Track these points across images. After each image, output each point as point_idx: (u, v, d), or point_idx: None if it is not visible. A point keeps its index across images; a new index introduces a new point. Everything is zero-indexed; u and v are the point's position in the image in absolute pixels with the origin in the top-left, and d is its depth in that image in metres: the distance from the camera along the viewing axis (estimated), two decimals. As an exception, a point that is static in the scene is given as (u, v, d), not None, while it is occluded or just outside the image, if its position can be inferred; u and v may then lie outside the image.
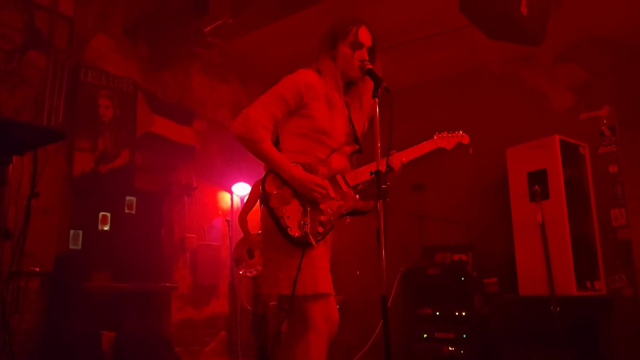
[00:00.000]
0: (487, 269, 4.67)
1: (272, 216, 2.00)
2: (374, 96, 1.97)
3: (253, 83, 6.10)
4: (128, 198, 4.79)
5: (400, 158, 2.25)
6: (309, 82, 2.09)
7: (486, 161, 4.91)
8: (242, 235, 4.55)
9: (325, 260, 2.08)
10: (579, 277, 3.99)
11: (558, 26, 4.17)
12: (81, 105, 4.45)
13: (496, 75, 5.52)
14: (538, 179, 4.24)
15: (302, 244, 1.97)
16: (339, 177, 2.15)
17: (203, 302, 5.27)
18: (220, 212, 5.62)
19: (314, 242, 1.98)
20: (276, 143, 2.15)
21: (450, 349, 4.34)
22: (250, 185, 5.08)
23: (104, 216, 4.58)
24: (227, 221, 5.51)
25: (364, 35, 2.17)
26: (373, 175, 1.99)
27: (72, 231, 4.32)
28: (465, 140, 2.48)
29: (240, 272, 4.51)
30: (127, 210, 4.78)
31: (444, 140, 2.43)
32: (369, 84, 2.07)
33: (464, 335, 4.31)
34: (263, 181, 2.05)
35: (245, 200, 4.74)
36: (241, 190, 5.57)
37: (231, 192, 5.68)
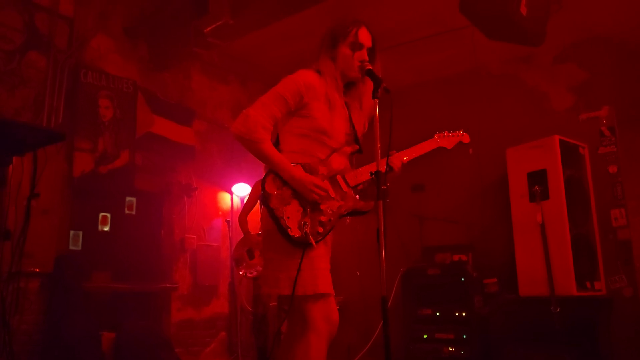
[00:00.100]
0: (487, 270, 4.67)
1: (272, 217, 2.00)
2: (373, 97, 1.98)
3: (253, 83, 6.11)
4: (128, 199, 4.79)
5: (401, 158, 2.25)
6: (309, 82, 2.09)
7: (486, 161, 4.91)
8: (242, 235, 4.55)
9: (325, 260, 2.08)
10: (579, 278, 3.99)
11: (558, 26, 4.17)
12: (81, 106, 4.45)
13: (496, 76, 5.53)
14: (538, 179, 4.24)
15: (302, 245, 1.97)
16: (339, 177, 2.15)
17: (203, 303, 5.27)
18: (220, 213, 5.62)
19: (314, 243, 1.98)
20: (276, 143, 2.15)
21: (451, 349, 4.34)
22: (250, 186, 5.08)
23: (104, 217, 4.58)
24: (227, 222, 5.50)
25: (364, 36, 2.17)
26: (373, 175, 1.99)
27: (72, 232, 4.32)
28: (466, 139, 2.48)
29: (241, 273, 4.51)
30: (127, 211, 4.78)
31: (445, 139, 2.43)
32: (369, 84, 2.08)
33: (464, 336, 4.31)
34: (263, 182, 2.05)
35: (245, 201, 4.74)
36: (241, 190, 5.57)
37: (231, 193, 5.68)
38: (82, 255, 4.30)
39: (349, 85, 2.25)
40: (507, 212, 4.52)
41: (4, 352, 2.42)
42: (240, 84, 6.08)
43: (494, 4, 3.35)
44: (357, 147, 2.24)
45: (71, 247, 4.29)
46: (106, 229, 4.58)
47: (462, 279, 4.45)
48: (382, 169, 1.93)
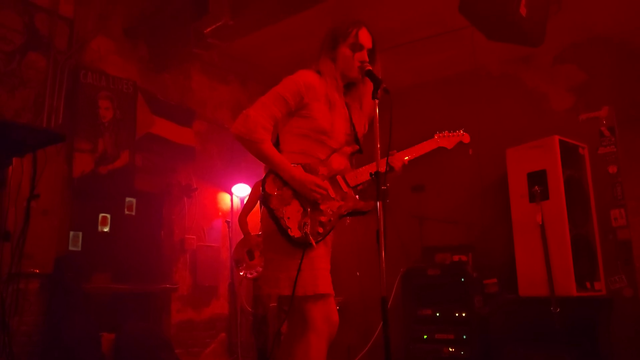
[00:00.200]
0: (487, 270, 4.66)
1: (272, 217, 2.00)
2: (373, 97, 1.98)
3: (253, 84, 6.11)
4: (128, 199, 4.79)
5: (402, 157, 2.25)
6: (309, 82, 2.10)
7: (486, 162, 4.91)
8: (242, 236, 4.55)
9: (325, 261, 2.08)
10: (578, 278, 3.99)
11: (557, 27, 4.17)
12: (81, 107, 4.45)
13: (496, 76, 5.53)
14: (538, 180, 4.24)
15: (303, 245, 1.98)
16: (339, 177, 2.15)
17: (203, 304, 5.27)
18: (220, 213, 5.62)
19: (314, 243, 1.98)
20: (276, 144, 2.15)
21: (451, 349, 4.34)
22: (250, 187, 5.08)
23: (104, 217, 4.58)
24: (227, 222, 5.50)
25: (364, 37, 2.17)
26: (373, 176, 2.00)
27: (72, 232, 4.32)
28: (466, 139, 2.48)
29: (241, 274, 4.51)
30: (127, 212, 4.77)
31: (445, 139, 2.43)
32: (369, 85, 2.08)
33: (464, 336, 4.31)
34: (263, 182, 2.05)
35: (245, 202, 4.74)
36: (241, 191, 5.57)
37: (231, 193, 5.68)
38: (82, 256, 4.29)
39: (349, 86, 2.25)
40: (507, 212, 4.52)
41: (3, 353, 2.42)
42: (240, 84, 6.08)
43: (494, 4, 3.35)
44: (357, 147, 2.24)
45: (71, 248, 4.28)
46: (106, 229, 4.58)
47: (462, 279, 4.44)
48: (382, 169, 1.93)
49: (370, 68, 2.10)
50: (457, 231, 5.18)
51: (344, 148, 2.19)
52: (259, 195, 2.08)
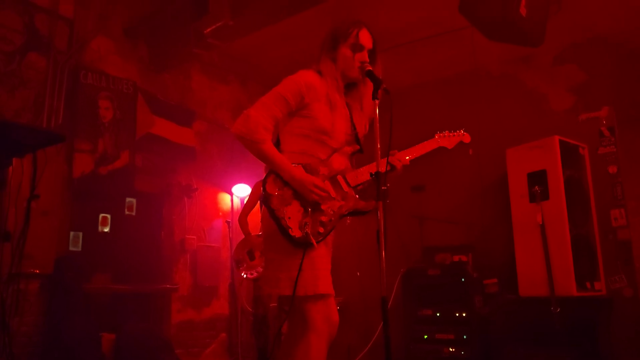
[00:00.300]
0: (487, 270, 4.67)
1: (273, 217, 2.00)
2: (373, 98, 1.98)
3: (253, 84, 6.11)
4: (128, 200, 4.79)
5: (403, 157, 2.25)
6: (309, 82, 2.10)
7: (486, 162, 4.91)
8: (243, 236, 4.55)
9: (326, 261, 2.08)
10: (579, 278, 3.99)
11: (557, 27, 4.17)
12: (81, 107, 4.45)
13: (496, 77, 5.53)
14: (538, 180, 4.24)
15: (303, 245, 1.98)
16: (339, 177, 2.15)
17: (203, 304, 5.27)
18: (220, 214, 5.62)
19: (315, 243, 1.98)
20: (277, 144, 2.15)
21: (451, 349, 4.34)
22: (251, 187, 5.08)
23: (104, 218, 4.58)
24: (228, 222, 5.50)
25: (365, 38, 2.17)
26: (373, 176, 2.00)
27: (72, 233, 4.31)
28: (467, 139, 2.48)
29: (242, 274, 4.51)
30: (127, 212, 4.77)
31: (445, 139, 2.43)
32: (370, 85, 2.08)
33: (465, 336, 4.31)
34: (264, 182, 2.05)
35: (245, 202, 4.74)
36: (241, 191, 5.57)
37: (231, 194, 5.68)
38: (82, 256, 4.29)
39: (350, 87, 2.25)
40: (507, 212, 4.52)
41: (3, 353, 2.42)
42: (240, 84, 6.08)
43: (494, 4, 3.35)
44: (358, 147, 2.24)
45: (71, 249, 4.28)
46: (106, 230, 4.57)
47: (462, 280, 4.45)
48: (382, 169, 1.93)
49: (371, 68, 2.10)
50: (457, 231, 5.18)
51: (344, 148, 2.19)
52: (260, 195, 2.08)
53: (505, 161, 4.60)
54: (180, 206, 5.22)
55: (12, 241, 2.44)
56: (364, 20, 2.22)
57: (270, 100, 2.07)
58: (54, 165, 4.08)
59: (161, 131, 5.08)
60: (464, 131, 2.47)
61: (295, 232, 1.98)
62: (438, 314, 4.51)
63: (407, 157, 2.26)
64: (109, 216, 4.60)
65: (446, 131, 2.45)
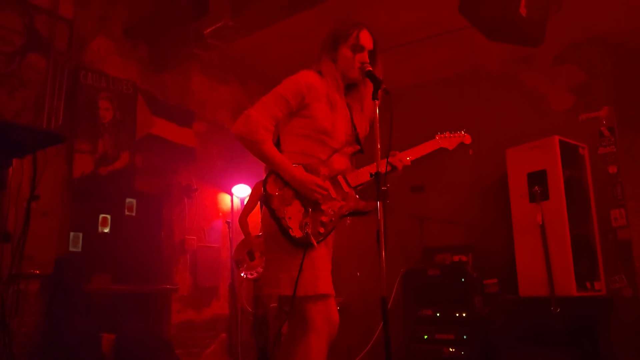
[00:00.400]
0: (487, 270, 4.67)
1: (273, 217, 2.00)
2: (373, 98, 1.99)
3: (253, 84, 6.11)
4: (128, 200, 4.79)
5: (404, 158, 2.25)
6: (310, 83, 2.10)
7: (486, 162, 4.91)
8: (243, 237, 4.55)
9: (326, 261, 2.09)
10: (579, 278, 4.00)
11: (557, 27, 4.18)
12: (81, 108, 4.45)
13: (496, 77, 5.53)
14: (538, 180, 4.24)
15: (304, 245, 1.98)
16: (340, 177, 2.15)
17: (203, 304, 5.27)
18: (220, 214, 5.62)
19: (315, 243, 1.98)
20: (277, 144, 2.15)
21: (451, 350, 4.34)
22: (251, 187, 5.08)
23: (104, 218, 4.58)
24: (228, 223, 5.50)
25: (365, 39, 2.17)
26: (373, 177, 2.00)
27: (72, 233, 4.31)
28: (467, 140, 2.48)
29: (242, 275, 4.51)
30: (127, 213, 4.77)
31: (446, 140, 2.44)
32: (370, 86, 2.08)
33: (465, 336, 4.31)
34: (264, 182, 2.05)
35: (245, 202, 4.74)
36: (241, 191, 5.57)
37: (231, 194, 5.68)
38: (82, 257, 4.29)
39: (350, 87, 2.25)
40: (507, 212, 4.52)
41: (3, 354, 2.42)
42: (240, 84, 6.09)
43: (494, 4, 3.35)
44: (358, 147, 2.24)
45: (71, 249, 4.28)
46: (106, 230, 4.57)
47: (462, 280, 4.45)
48: (382, 170, 1.93)
49: (371, 69, 2.10)
50: (457, 231, 5.18)
51: (345, 148, 2.19)
52: (260, 195, 2.08)
53: (505, 161, 4.60)
54: (180, 206, 5.22)
55: (12, 242, 2.44)
56: (364, 21, 2.23)
57: (270, 101, 2.07)
58: (54, 165, 4.09)
59: (161, 131, 5.08)
60: (464, 132, 2.48)
61: (296, 232, 1.98)
62: (438, 314, 4.51)
63: (408, 158, 2.26)
64: (109, 217, 4.60)
65: (447, 132, 2.45)
